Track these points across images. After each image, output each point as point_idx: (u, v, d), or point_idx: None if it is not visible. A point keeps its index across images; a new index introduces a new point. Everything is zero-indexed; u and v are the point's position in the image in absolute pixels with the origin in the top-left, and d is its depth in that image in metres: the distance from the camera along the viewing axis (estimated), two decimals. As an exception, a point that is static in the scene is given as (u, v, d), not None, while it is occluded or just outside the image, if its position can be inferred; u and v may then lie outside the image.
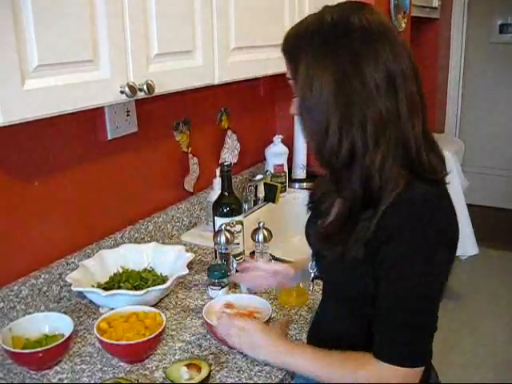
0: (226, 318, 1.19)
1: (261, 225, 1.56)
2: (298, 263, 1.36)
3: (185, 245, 1.76)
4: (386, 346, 0.94)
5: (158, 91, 1.24)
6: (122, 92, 1.16)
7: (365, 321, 1.00)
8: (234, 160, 2.14)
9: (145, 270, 1.54)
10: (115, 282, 1.47)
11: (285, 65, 1.01)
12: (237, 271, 1.47)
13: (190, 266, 1.52)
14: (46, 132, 1.42)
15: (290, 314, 1.40)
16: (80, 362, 1.23)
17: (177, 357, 1.24)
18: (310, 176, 2.38)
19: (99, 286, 1.45)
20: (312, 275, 1.25)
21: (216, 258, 1.60)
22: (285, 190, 2.29)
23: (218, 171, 1.88)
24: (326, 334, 1.15)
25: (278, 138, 2.30)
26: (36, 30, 0.97)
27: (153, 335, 1.19)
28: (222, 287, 1.41)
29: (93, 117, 1.57)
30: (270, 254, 1.60)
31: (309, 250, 1.20)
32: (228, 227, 1.59)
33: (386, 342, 0.94)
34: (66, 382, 1.17)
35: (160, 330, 1.21)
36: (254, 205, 2.17)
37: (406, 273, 0.92)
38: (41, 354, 1.16)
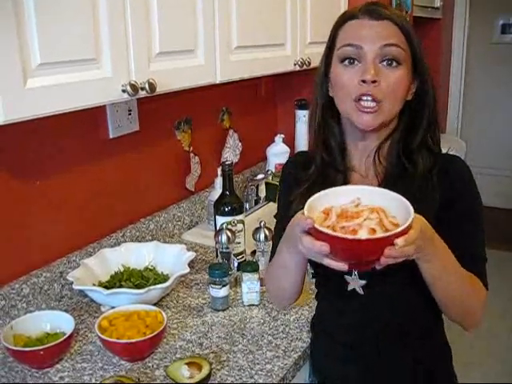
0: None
1: (262, 224, 1.56)
2: None
3: (186, 244, 1.76)
4: (485, 277, 1.07)
5: (159, 90, 1.24)
6: (123, 91, 1.16)
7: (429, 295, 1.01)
8: (236, 159, 2.14)
9: (146, 268, 1.54)
10: (116, 281, 1.47)
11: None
12: (238, 270, 1.47)
13: (191, 264, 1.53)
14: (48, 131, 1.42)
15: (291, 313, 1.40)
16: (81, 361, 1.23)
17: (178, 355, 1.24)
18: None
19: (100, 284, 1.45)
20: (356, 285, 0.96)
21: (217, 257, 1.60)
22: (286, 190, 2.28)
23: (219, 170, 1.88)
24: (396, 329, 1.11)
25: (279, 138, 2.30)
26: (38, 28, 0.97)
27: (154, 334, 1.19)
28: (223, 286, 1.41)
29: (94, 115, 1.57)
30: (271, 254, 1.60)
31: None
32: (229, 226, 1.59)
33: (484, 275, 1.07)
34: (66, 380, 1.17)
35: (161, 328, 1.21)
36: (255, 204, 2.17)
37: (481, 217, 1.09)
38: (42, 352, 1.17)
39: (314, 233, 0.83)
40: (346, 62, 1.02)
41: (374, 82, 0.98)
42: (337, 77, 1.04)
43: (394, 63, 1.00)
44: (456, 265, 0.98)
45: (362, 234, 0.80)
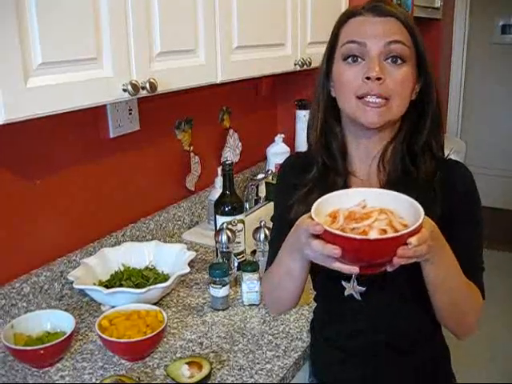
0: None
1: (262, 224, 1.56)
2: None
3: (186, 243, 1.76)
4: (483, 287, 1.06)
5: (160, 89, 1.24)
6: (124, 90, 1.16)
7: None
8: (236, 159, 2.14)
9: (146, 268, 1.55)
10: (117, 280, 1.47)
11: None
12: (238, 269, 1.47)
13: (191, 264, 1.53)
14: (48, 130, 1.42)
15: (291, 313, 1.40)
16: (81, 360, 1.23)
17: (178, 355, 1.24)
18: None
19: (101, 283, 1.45)
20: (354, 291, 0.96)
21: (217, 256, 1.60)
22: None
23: (219, 170, 1.88)
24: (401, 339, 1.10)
25: (279, 138, 2.30)
26: (39, 27, 0.97)
27: (154, 333, 1.19)
28: (223, 286, 1.41)
29: (95, 115, 1.57)
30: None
31: None
32: (229, 226, 1.58)
33: (482, 285, 1.06)
34: (67, 379, 1.17)
35: (161, 328, 1.21)
36: (256, 204, 2.17)
37: (481, 226, 1.07)
38: (42, 351, 1.17)
39: (324, 236, 0.80)
40: (350, 59, 0.99)
41: (378, 79, 0.95)
42: (340, 75, 1.01)
43: (399, 61, 0.98)
44: (458, 269, 0.96)
45: (373, 235, 0.79)
